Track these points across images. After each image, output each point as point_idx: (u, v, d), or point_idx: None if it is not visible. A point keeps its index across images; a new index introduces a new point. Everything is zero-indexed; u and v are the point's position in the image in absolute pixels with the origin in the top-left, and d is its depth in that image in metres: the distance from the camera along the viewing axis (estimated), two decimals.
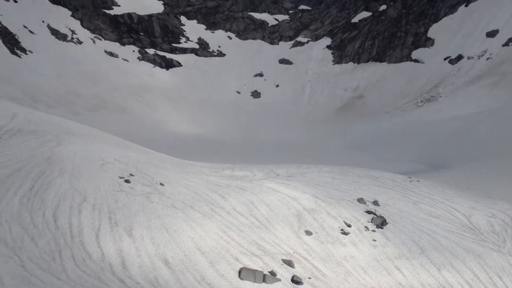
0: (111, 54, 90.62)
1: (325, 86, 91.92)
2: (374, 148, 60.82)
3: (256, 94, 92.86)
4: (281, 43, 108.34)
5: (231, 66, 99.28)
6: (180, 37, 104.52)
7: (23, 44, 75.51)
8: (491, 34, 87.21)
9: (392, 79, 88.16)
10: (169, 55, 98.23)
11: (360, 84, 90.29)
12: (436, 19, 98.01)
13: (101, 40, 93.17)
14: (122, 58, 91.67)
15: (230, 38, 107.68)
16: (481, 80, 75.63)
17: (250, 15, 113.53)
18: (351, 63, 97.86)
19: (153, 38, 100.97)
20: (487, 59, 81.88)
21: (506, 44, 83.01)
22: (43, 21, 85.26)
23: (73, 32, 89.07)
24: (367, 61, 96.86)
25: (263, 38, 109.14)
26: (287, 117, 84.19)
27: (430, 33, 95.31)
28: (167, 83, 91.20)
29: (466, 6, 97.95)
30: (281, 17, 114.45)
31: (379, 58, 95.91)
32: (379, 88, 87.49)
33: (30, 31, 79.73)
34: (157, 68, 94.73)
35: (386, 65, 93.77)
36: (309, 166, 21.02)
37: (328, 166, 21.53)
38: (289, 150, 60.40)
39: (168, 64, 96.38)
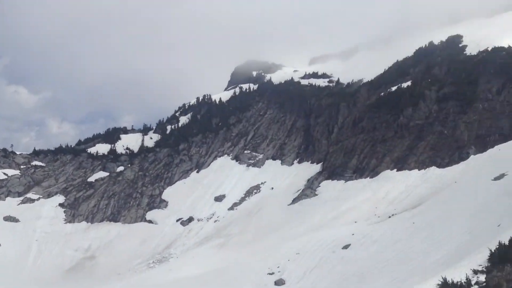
0: None
1: (54, 246, 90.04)
2: None
3: None
4: (8, 199, 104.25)
5: None
6: None
7: None
8: (219, 198, 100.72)
9: (127, 240, 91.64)
10: None
11: (92, 245, 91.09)
12: (171, 183, 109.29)
13: None
14: None
15: None
16: (209, 241, 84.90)
17: None
18: (84, 222, 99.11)
19: None
20: (215, 221, 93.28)
21: (231, 208, 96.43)
22: None
23: None
24: (102, 220, 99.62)
25: None
26: (9, 281, 78.79)
27: (165, 195, 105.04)
28: None
29: (197, 172, 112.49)
30: (11, 172, 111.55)
31: (114, 218, 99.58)
32: (112, 248, 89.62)
33: None
34: None
35: (121, 225, 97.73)
36: None
37: None
38: None
39: None
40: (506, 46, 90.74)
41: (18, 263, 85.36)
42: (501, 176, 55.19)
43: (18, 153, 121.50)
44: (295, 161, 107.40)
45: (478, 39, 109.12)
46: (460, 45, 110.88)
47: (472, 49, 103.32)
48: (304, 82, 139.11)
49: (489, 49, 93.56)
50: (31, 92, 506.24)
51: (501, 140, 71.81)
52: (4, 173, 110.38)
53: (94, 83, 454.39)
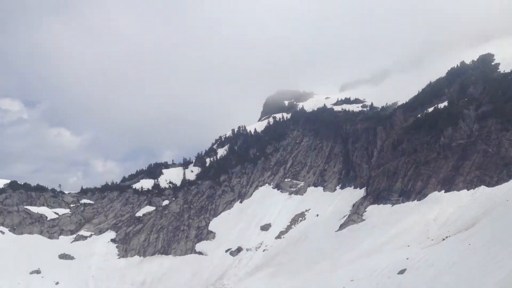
0: None
1: (110, 282, 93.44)
2: None
3: None
4: (61, 237, 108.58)
5: (3, 263, 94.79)
6: None
7: None
8: (265, 227, 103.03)
9: (179, 272, 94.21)
10: None
11: (147, 278, 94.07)
12: (216, 214, 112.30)
13: None
14: None
15: (2, 233, 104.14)
16: (260, 270, 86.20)
17: (26, 208, 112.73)
18: (136, 257, 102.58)
19: None
20: (264, 250, 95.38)
21: (278, 237, 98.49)
22: None
23: None
24: (153, 254, 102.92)
25: (41, 233, 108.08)
26: None
27: (211, 227, 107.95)
28: None
29: (240, 202, 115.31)
30: (62, 211, 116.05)
31: (165, 251, 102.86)
32: (166, 281, 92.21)
33: None
34: None
35: (172, 257, 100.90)
36: None
37: None
38: None
39: None
40: None
41: None
42: None
43: (66, 192, 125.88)
44: (337, 187, 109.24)
45: (510, 57, 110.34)
46: (493, 64, 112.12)
47: (505, 67, 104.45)
48: (337, 108, 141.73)
49: None
50: (74, 134, 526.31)
51: None
52: (55, 212, 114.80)
53: (132, 122, 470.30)
